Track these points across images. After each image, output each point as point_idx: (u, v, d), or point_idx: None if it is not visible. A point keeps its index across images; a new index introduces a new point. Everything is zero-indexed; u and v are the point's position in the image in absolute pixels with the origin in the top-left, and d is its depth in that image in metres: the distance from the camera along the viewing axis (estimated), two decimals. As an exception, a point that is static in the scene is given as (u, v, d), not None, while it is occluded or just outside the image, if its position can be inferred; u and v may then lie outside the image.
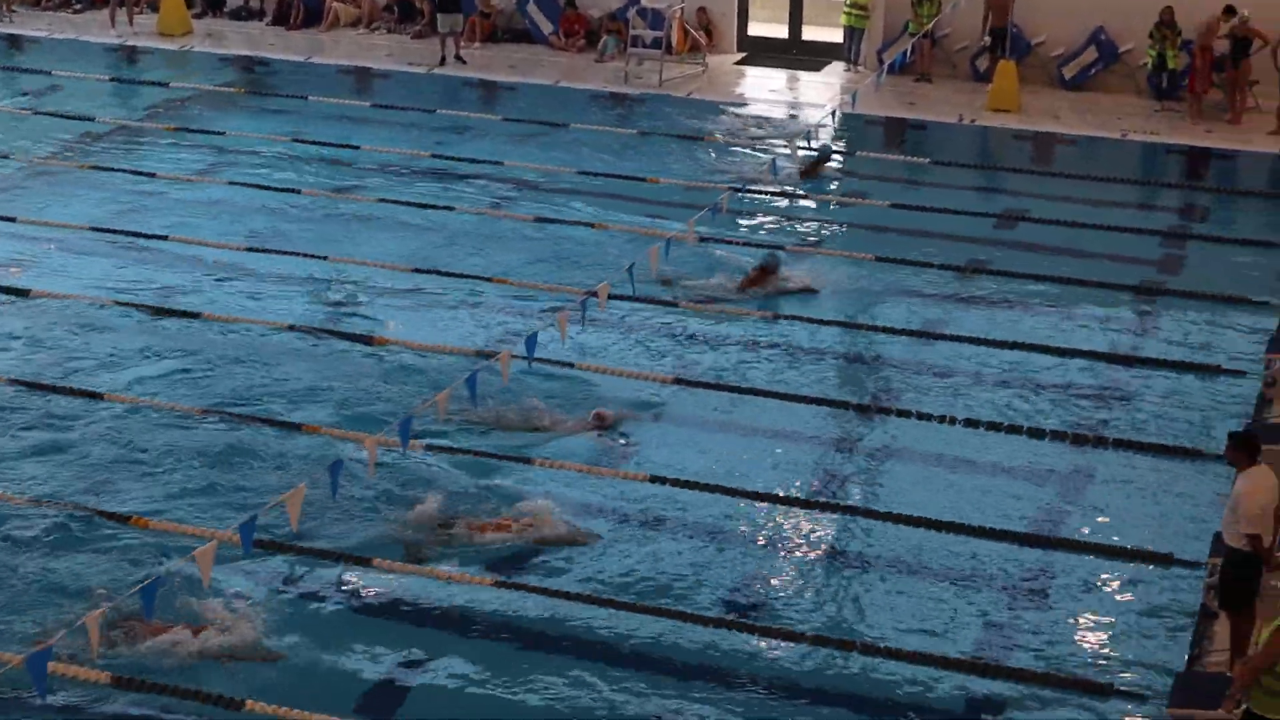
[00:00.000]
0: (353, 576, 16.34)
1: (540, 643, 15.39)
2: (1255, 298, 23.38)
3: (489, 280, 23.89)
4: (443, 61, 35.52)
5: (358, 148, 30.25)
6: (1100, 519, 17.75)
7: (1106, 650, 15.46)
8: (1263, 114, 31.91)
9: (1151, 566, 16.74)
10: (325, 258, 24.70)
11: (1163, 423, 19.86)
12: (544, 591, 16.05)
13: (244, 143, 30.60)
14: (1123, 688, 14.78)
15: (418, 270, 24.29)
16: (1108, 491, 18.34)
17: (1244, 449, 14.29)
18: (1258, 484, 14.11)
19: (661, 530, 17.32)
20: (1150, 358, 21.62)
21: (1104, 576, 16.67)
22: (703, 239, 24.20)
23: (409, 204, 27.22)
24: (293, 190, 27.79)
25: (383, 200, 27.41)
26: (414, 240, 25.67)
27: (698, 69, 35.65)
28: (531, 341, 17.32)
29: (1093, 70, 34.22)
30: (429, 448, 18.59)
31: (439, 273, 24.21)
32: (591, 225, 26.34)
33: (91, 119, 32.02)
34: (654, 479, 18.21)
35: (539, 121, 32.12)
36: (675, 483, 18.14)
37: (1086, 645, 15.53)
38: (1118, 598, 16.33)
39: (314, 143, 30.61)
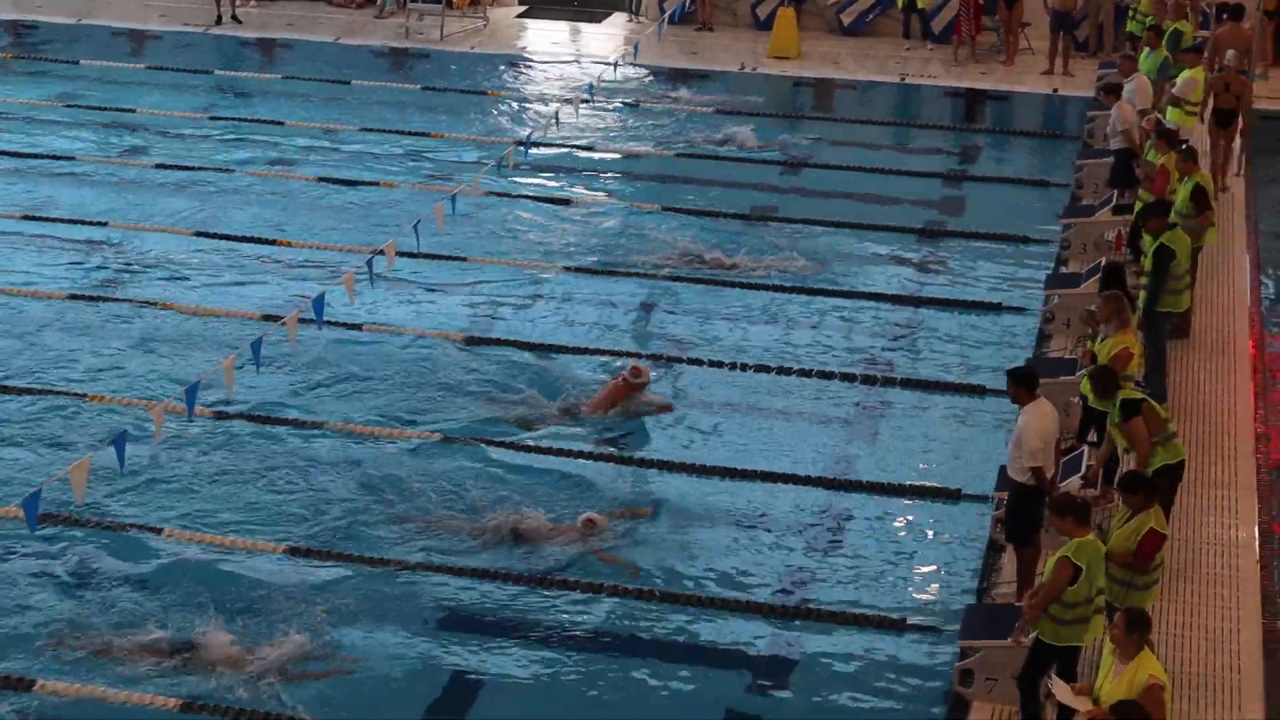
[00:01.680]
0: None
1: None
2: (1034, 235, 23.88)
3: (274, 243, 23.55)
4: (219, 21, 34.84)
5: (134, 111, 29.58)
6: (890, 457, 18.07)
7: (899, 586, 15.75)
8: (1035, 55, 32.58)
9: (940, 502, 17.09)
10: (105, 224, 24.14)
11: (948, 361, 20.24)
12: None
13: (14, 109, 29.73)
14: (916, 621, 15.08)
15: (200, 234, 23.86)
16: (896, 430, 18.67)
17: (1023, 384, 14.60)
18: (1038, 418, 14.41)
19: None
20: (935, 298, 22.02)
21: (894, 514, 16.98)
22: (489, 193, 24.07)
23: (189, 168, 26.70)
24: (68, 157, 27.10)
25: (161, 165, 26.86)
26: (196, 203, 25.18)
27: (479, 23, 35.42)
28: (319, 303, 17.08)
29: (870, 16, 34.68)
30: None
31: (223, 236, 23.80)
32: (377, 184, 26.08)
33: None
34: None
35: (320, 80, 31.71)
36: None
37: (879, 583, 15.79)
38: (908, 535, 16.64)
39: (89, 107, 29.87)
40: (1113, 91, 23.22)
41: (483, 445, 17.94)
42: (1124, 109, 22.65)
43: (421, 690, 14.17)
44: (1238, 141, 25.74)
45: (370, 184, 26.09)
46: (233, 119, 29.41)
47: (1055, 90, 31.06)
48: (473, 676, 14.35)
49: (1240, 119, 25.07)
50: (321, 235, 23.86)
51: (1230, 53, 25.84)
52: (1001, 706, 13.45)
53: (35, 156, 27.09)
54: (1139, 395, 14.90)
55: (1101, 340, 16.14)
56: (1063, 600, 12.52)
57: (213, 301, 21.54)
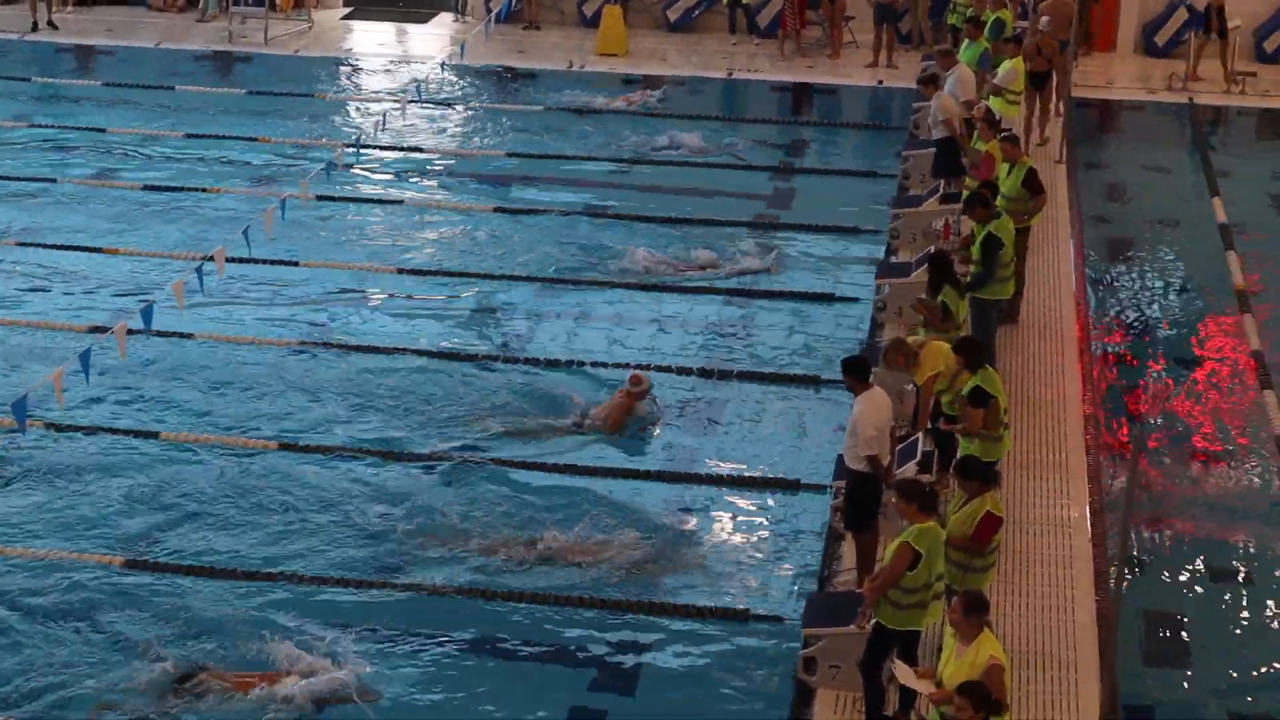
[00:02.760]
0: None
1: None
2: (864, 226, 24.15)
3: (99, 251, 23.12)
4: (35, 28, 34.07)
5: (-52, 121, 28.94)
6: (729, 450, 18.16)
7: (742, 578, 15.84)
8: (860, 49, 32.93)
9: (780, 493, 17.23)
10: (-80, 237, 23.62)
11: (784, 352, 20.41)
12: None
13: None
14: (760, 612, 15.19)
15: (22, 244, 23.34)
16: (735, 423, 18.76)
17: (855, 373, 14.75)
18: (872, 406, 14.57)
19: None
20: (769, 290, 22.20)
21: (735, 507, 17.08)
22: (319, 197, 23.84)
23: (7, 177, 26.09)
24: (-123, 169, 26.44)
25: (-20, 175, 26.29)
26: (16, 214, 24.61)
27: (303, 25, 35.04)
28: (148, 313, 16.81)
29: (696, 12, 34.85)
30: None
31: (45, 246, 23.29)
32: (204, 190, 25.69)
33: None
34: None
35: (141, 85, 31.17)
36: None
37: (722, 575, 15.87)
38: (749, 526, 16.75)
39: (-103, 118, 29.16)
40: (931, 83, 23.53)
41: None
42: (944, 100, 22.96)
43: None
44: (1053, 102, 26.72)
45: (197, 190, 25.67)
46: (53, 126, 28.78)
47: (880, 82, 31.42)
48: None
49: (1054, 78, 26.16)
50: (149, 243, 23.45)
51: (1044, 19, 26.74)
52: (845, 692, 13.57)
53: None
54: (992, 394, 15.02)
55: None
56: (902, 585, 12.66)
57: (35, 314, 21.08)
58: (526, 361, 20.06)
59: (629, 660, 14.64)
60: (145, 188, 25.79)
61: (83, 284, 22.23)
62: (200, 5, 35.52)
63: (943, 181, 22.56)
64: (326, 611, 15.09)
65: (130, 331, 16.88)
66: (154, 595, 15.27)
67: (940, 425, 15.67)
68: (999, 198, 19.17)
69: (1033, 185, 19.88)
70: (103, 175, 26.52)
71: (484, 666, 14.51)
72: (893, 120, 29.33)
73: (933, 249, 19.46)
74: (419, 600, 15.34)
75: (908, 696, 12.91)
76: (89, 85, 31.48)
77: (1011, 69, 24.61)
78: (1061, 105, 26.72)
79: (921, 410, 15.87)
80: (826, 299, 21.86)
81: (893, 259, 22.06)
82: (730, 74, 31.97)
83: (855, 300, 21.66)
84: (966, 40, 25.99)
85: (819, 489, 17.02)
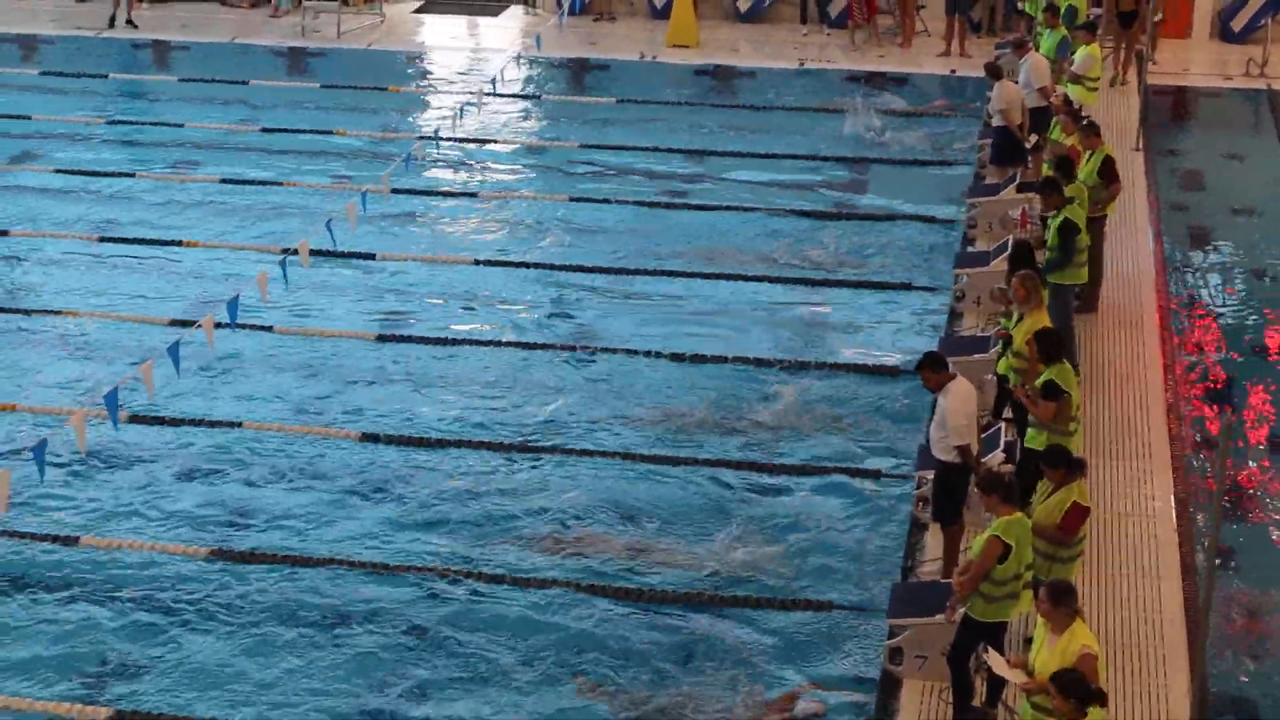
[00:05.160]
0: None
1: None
2: (940, 215, 24.08)
3: (180, 244, 23.32)
4: (112, 23, 34.35)
5: (29, 118, 29.16)
6: (810, 440, 18.15)
7: (825, 568, 15.83)
8: (931, 37, 32.82)
9: (862, 483, 17.20)
10: (5, 233, 23.82)
11: (864, 341, 20.39)
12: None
13: (-94, 118, 29.31)
14: (843, 603, 15.19)
15: (104, 239, 23.58)
16: (816, 413, 18.74)
17: (935, 368, 14.69)
18: (960, 397, 14.53)
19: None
20: (847, 279, 22.18)
21: (818, 496, 17.05)
22: (394, 190, 23.95)
23: (89, 173, 26.36)
24: (-38, 165, 26.77)
25: (60, 170, 26.51)
26: (98, 209, 24.88)
27: (375, 19, 35.21)
28: (233, 305, 16.96)
29: (766, 3, 34.79)
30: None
31: (126, 240, 23.54)
32: (281, 183, 25.88)
33: None
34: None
35: (217, 81, 31.36)
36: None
37: (805, 565, 15.87)
38: (832, 516, 16.71)
39: (-20, 114, 29.48)
40: (993, 72, 23.44)
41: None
42: (1006, 87, 22.87)
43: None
44: (1141, 43, 27.46)
45: (274, 183, 25.87)
46: (131, 122, 29.06)
47: (953, 71, 31.30)
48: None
49: (1140, 18, 27.10)
50: (229, 237, 23.66)
51: None
52: (932, 683, 13.56)
53: (-72, 166, 26.74)
54: (1065, 388, 14.94)
55: (1017, 321, 16.26)
56: (992, 578, 12.63)
57: (119, 308, 21.29)
58: (602, 350, 20.12)
59: (714, 647, 14.62)
60: (223, 181, 25.99)
61: (164, 278, 22.42)
62: (273, 1, 35.75)
63: (1020, 169, 22.48)
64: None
65: (216, 325, 17.05)
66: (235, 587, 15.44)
67: (1013, 390, 15.53)
68: (1076, 184, 19.10)
69: (1109, 173, 19.80)
70: (180, 169, 26.73)
71: (599, 655, 14.58)
72: (967, 109, 29.20)
73: (1012, 238, 19.40)
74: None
75: (995, 688, 12.90)
76: (165, 81, 31.73)
77: (1088, 55, 24.51)
78: (1139, 82, 26.65)
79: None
80: (904, 289, 21.82)
81: (970, 248, 21.99)
82: (802, 64, 31.90)
83: (933, 290, 21.61)
84: (1046, 28, 25.88)
85: (901, 479, 17.00)
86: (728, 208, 24.71)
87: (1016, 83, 23.35)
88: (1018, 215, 21.35)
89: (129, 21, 34.46)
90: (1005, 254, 18.94)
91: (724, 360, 19.79)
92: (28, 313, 21.18)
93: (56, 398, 18.88)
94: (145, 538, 16.17)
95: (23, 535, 16.09)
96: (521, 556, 15.97)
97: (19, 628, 14.77)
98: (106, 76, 31.79)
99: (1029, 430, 15.06)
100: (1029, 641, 12.47)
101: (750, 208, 24.68)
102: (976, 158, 25.23)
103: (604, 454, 17.78)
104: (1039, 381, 14.96)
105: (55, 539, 16.05)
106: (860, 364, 19.81)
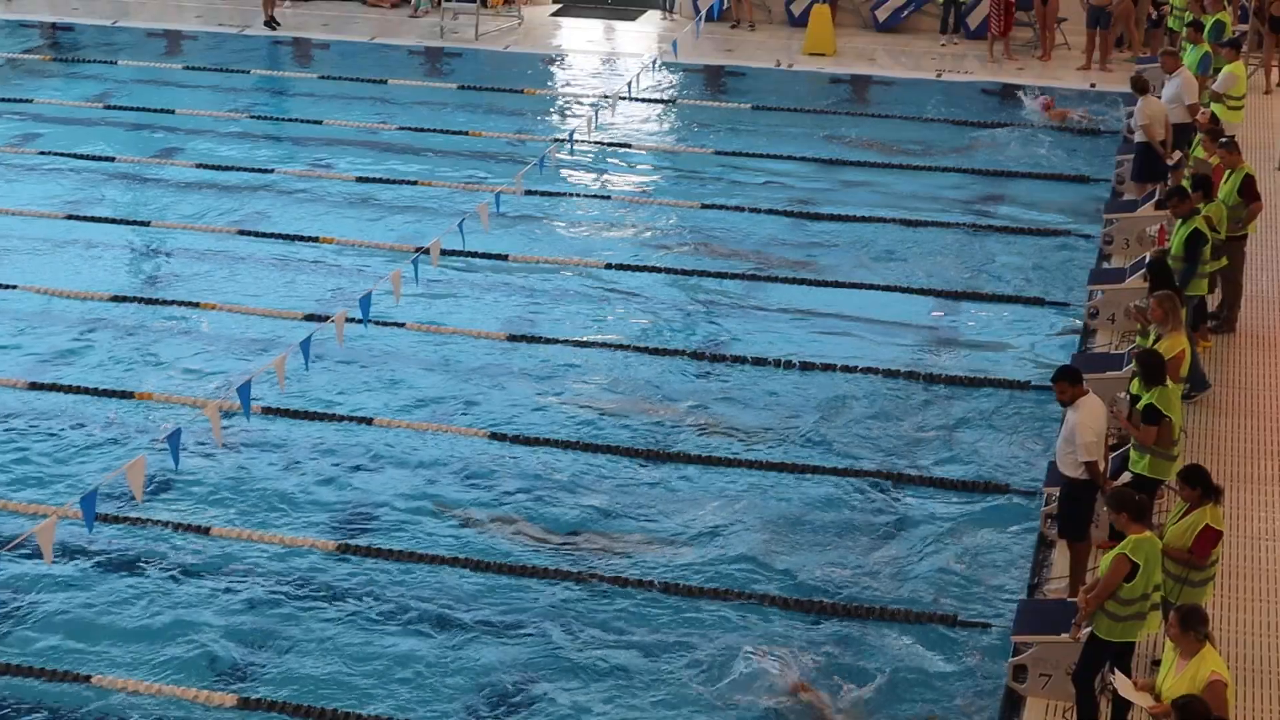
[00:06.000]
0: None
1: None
2: (1077, 230, 23.84)
3: (315, 240, 23.60)
4: (271, 25, 34.68)
5: (172, 112, 29.65)
6: (938, 453, 18.04)
7: (949, 582, 15.72)
8: (1071, 51, 32.48)
9: (989, 497, 17.06)
10: (147, 224, 24.23)
11: (993, 354, 20.22)
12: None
13: (54, 110, 29.84)
14: (967, 618, 15.07)
15: (242, 233, 23.92)
16: (944, 426, 18.62)
17: (1071, 381, 14.53)
18: (1090, 413, 14.36)
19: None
20: (979, 292, 22.01)
21: (943, 510, 16.94)
22: (527, 192, 24.09)
23: (229, 167, 26.78)
24: (107, 158, 27.16)
25: (202, 165, 26.92)
26: (236, 203, 25.24)
27: (513, 22, 35.43)
28: (365, 301, 17.14)
29: (904, 13, 34.60)
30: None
31: (263, 235, 23.87)
32: (416, 182, 26.12)
33: (-107, 91, 31.06)
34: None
35: (356, 79, 31.73)
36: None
37: (929, 578, 15.78)
38: (957, 530, 16.60)
39: (126, 108, 29.95)
40: (1138, 86, 23.15)
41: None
42: (1150, 102, 22.60)
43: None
44: None
45: (410, 182, 26.11)
46: (271, 119, 29.48)
47: (1093, 85, 30.94)
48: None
49: None
50: (363, 234, 23.90)
51: None
52: (1056, 702, 13.41)
53: (75, 157, 27.17)
54: (1166, 412, 14.73)
55: (1154, 342, 16.03)
56: (1119, 596, 12.47)
57: (253, 301, 21.58)
58: (733, 360, 20.10)
59: (837, 661, 14.56)
60: (359, 179, 26.27)
61: (299, 272, 22.70)
62: (413, 1, 36.08)
63: (1159, 186, 22.20)
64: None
65: (348, 320, 17.23)
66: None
67: (1114, 413, 15.32)
68: (1215, 204, 18.83)
69: (1249, 192, 19.51)
70: (318, 166, 27.04)
71: (727, 661, 14.58)
72: (1106, 124, 28.87)
73: (1149, 256, 19.14)
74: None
75: (1120, 710, 12.73)
76: (305, 78, 32.14)
77: (1231, 74, 24.14)
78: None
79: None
80: (1037, 303, 21.62)
81: (1105, 265, 21.73)
82: (939, 75, 31.70)
83: (1066, 305, 21.39)
84: (1189, 44, 25.53)
85: (1029, 494, 16.84)
86: (860, 218, 24.58)
87: (1160, 98, 23.08)
88: (1155, 232, 21.09)
89: (267, 21, 34.75)
90: (1141, 271, 18.71)
91: (853, 370, 19.73)
92: (166, 303, 21.52)
93: (192, 388, 19.18)
94: (274, 529, 16.38)
95: (156, 523, 16.35)
96: (653, 560, 15.99)
97: (149, 614, 15.00)
98: (248, 72, 32.24)
99: (1131, 454, 14.87)
100: (1157, 664, 12.31)
101: (883, 218, 24.55)
102: (1115, 173, 24.93)
103: (738, 462, 17.78)
104: (1140, 405, 14.76)
105: (187, 528, 16.31)
106: (989, 377, 19.63)
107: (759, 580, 15.72)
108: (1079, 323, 20.49)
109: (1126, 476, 14.87)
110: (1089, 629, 12.76)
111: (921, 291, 22.07)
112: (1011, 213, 25.13)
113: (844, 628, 15.01)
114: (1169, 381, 14.74)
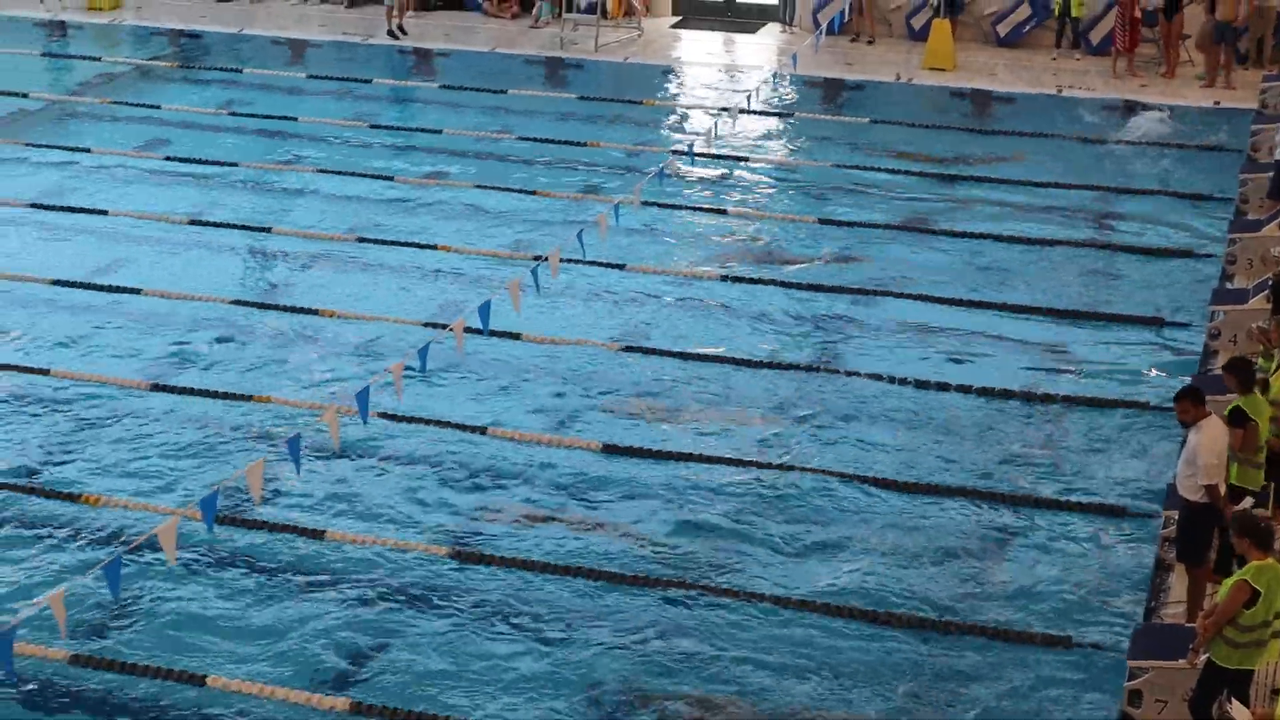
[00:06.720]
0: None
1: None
2: (1200, 250, 23.56)
3: (434, 248, 23.78)
4: (394, 35, 35.02)
5: (295, 119, 30.04)
6: (1054, 474, 17.87)
7: (1064, 604, 15.56)
8: (1196, 67, 32.12)
9: (1106, 520, 16.88)
10: (268, 229, 24.52)
11: (1111, 374, 20.01)
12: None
13: (180, 116, 30.32)
14: (1082, 641, 14.91)
15: (361, 240, 24.15)
16: (1061, 446, 18.45)
17: (1192, 402, 14.36)
18: (1210, 435, 14.18)
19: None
20: (1095, 312, 21.78)
21: (1059, 531, 16.78)
22: (644, 203, 24.16)
23: (348, 174, 27.06)
24: (231, 164, 27.54)
25: (322, 171, 27.24)
26: (355, 211, 25.50)
27: (633, 33, 35.57)
28: (485, 310, 17.24)
29: (1026, 27, 34.40)
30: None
31: (382, 242, 24.07)
32: (534, 192, 26.25)
33: (25, 95, 31.59)
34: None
35: (476, 89, 31.99)
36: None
37: (1044, 600, 15.63)
38: (1074, 552, 16.43)
39: (250, 115, 30.40)
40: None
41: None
42: (1289, 121, 22.36)
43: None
44: None
45: (528, 192, 26.25)
46: (392, 127, 29.77)
47: (1217, 103, 30.58)
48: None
49: None
50: (479, 242, 24.07)
51: None
52: (1171, 728, 13.27)
53: (200, 163, 27.58)
54: (1252, 415, 14.52)
55: (1277, 366, 15.79)
56: (1238, 623, 12.30)
57: (370, 308, 21.77)
58: (847, 374, 20.03)
59: (949, 682, 14.47)
60: (477, 186, 26.45)
61: (417, 280, 22.87)
62: (534, 12, 36.32)
63: (1287, 206, 21.94)
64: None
65: (466, 329, 17.34)
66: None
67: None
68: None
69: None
70: (437, 175, 27.26)
71: (827, 674, 14.54)
72: (1230, 142, 28.52)
73: (1273, 276, 18.89)
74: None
75: (1237, 737, 12.57)
76: (427, 87, 32.43)
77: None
78: None
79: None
80: (1157, 323, 21.38)
81: (1228, 285, 21.46)
82: (1060, 90, 31.45)
83: (1187, 325, 21.14)
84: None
85: (1146, 517, 16.65)
86: (980, 235, 24.44)
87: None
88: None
89: (390, 31, 35.04)
90: (1264, 292, 18.46)
91: (968, 390, 19.59)
92: (286, 309, 21.76)
93: (311, 393, 19.39)
94: (388, 534, 16.51)
95: (272, 526, 16.54)
96: (767, 574, 15.98)
97: (263, 617, 15.16)
98: (370, 81, 32.57)
99: None
100: (1277, 693, 12.13)
101: (1001, 235, 24.38)
102: (1239, 192, 24.61)
103: (855, 477, 17.68)
104: (1227, 409, 14.58)
105: (302, 531, 16.48)
106: (1106, 398, 19.43)
107: (872, 595, 15.63)
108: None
109: (1249, 502, 14.66)
110: (1206, 655, 12.60)
111: (1039, 310, 21.87)
112: (1133, 230, 24.88)
113: (957, 647, 14.89)
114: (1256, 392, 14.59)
